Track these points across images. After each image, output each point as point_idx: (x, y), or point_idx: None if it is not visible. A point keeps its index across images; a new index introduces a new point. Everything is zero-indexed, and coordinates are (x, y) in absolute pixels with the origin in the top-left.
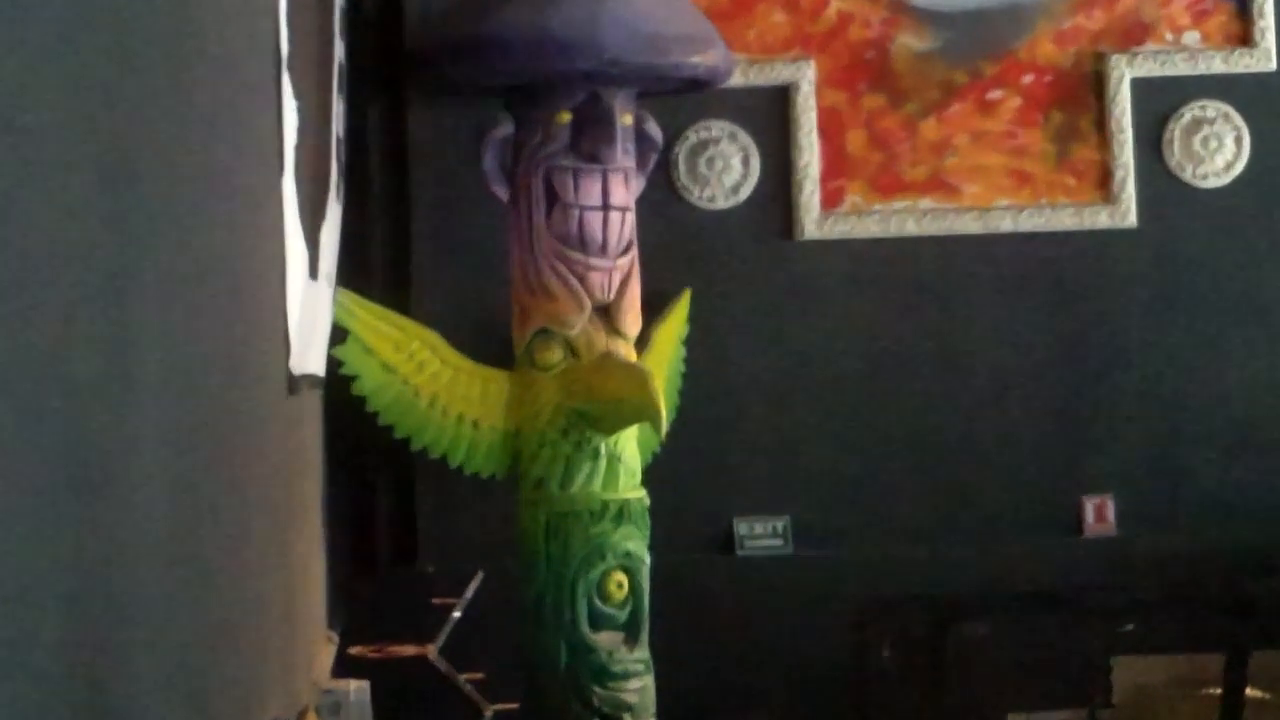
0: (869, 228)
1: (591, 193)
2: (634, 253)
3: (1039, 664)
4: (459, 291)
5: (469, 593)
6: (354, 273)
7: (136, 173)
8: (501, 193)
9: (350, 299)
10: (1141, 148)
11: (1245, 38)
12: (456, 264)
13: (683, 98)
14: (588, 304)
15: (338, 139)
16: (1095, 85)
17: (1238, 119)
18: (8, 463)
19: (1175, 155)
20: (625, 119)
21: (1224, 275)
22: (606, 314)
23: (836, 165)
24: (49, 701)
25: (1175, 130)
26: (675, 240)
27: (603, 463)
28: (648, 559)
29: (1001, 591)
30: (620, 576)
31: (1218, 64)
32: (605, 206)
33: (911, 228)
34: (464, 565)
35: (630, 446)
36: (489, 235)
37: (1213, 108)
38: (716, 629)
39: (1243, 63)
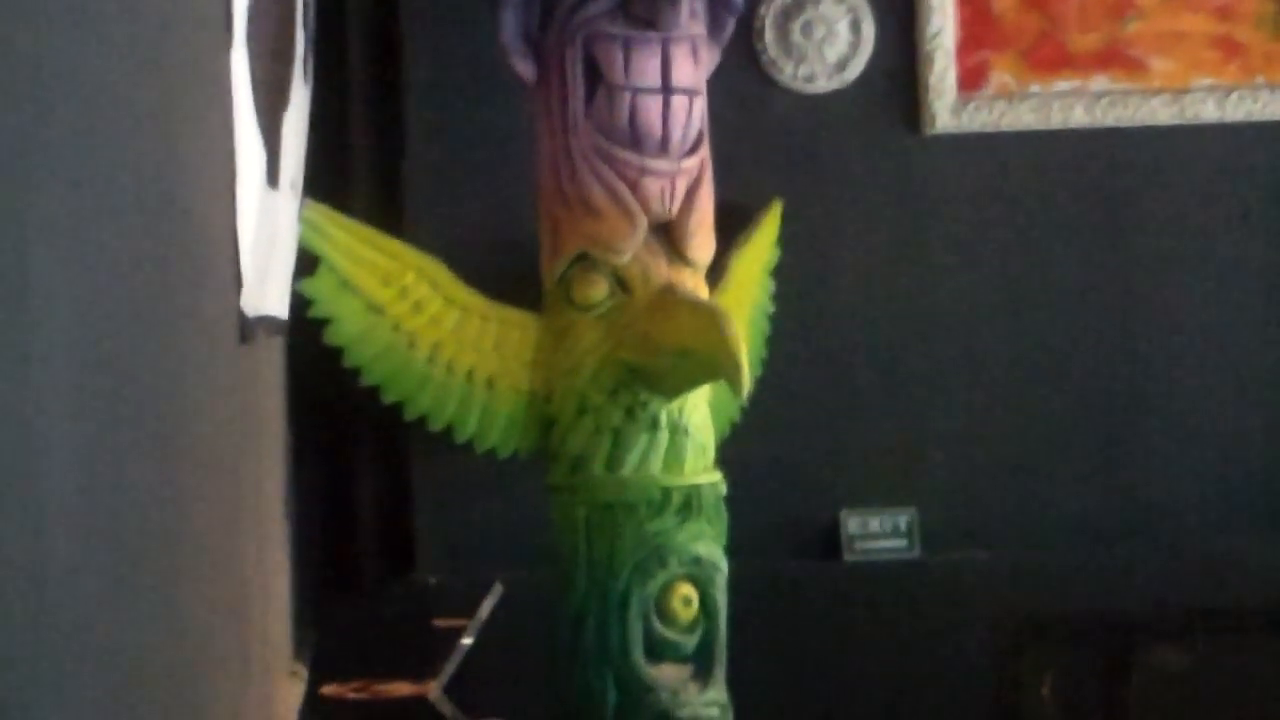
0: (1023, 116)
1: (647, 70)
2: (705, 152)
3: (1252, 700)
4: (468, 206)
5: (484, 612)
6: (328, 180)
7: (26, 40)
8: (526, 70)
9: (323, 215)
10: None
11: None
12: (464, 169)
13: None
14: (643, 221)
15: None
16: None
17: None
18: None
19: None
20: None
21: None
22: (668, 234)
23: (979, 31)
24: None
25: None
26: (761, 135)
27: (663, 436)
28: (724, 566)
29: (1201, 608)
30: (687, 590)
31: None
32: (666, 89)
33: (1080, 116)
34: (477, 575)
35: (700, 414)
36: (508, 130)
37: None
38: (818, 659)
39: None
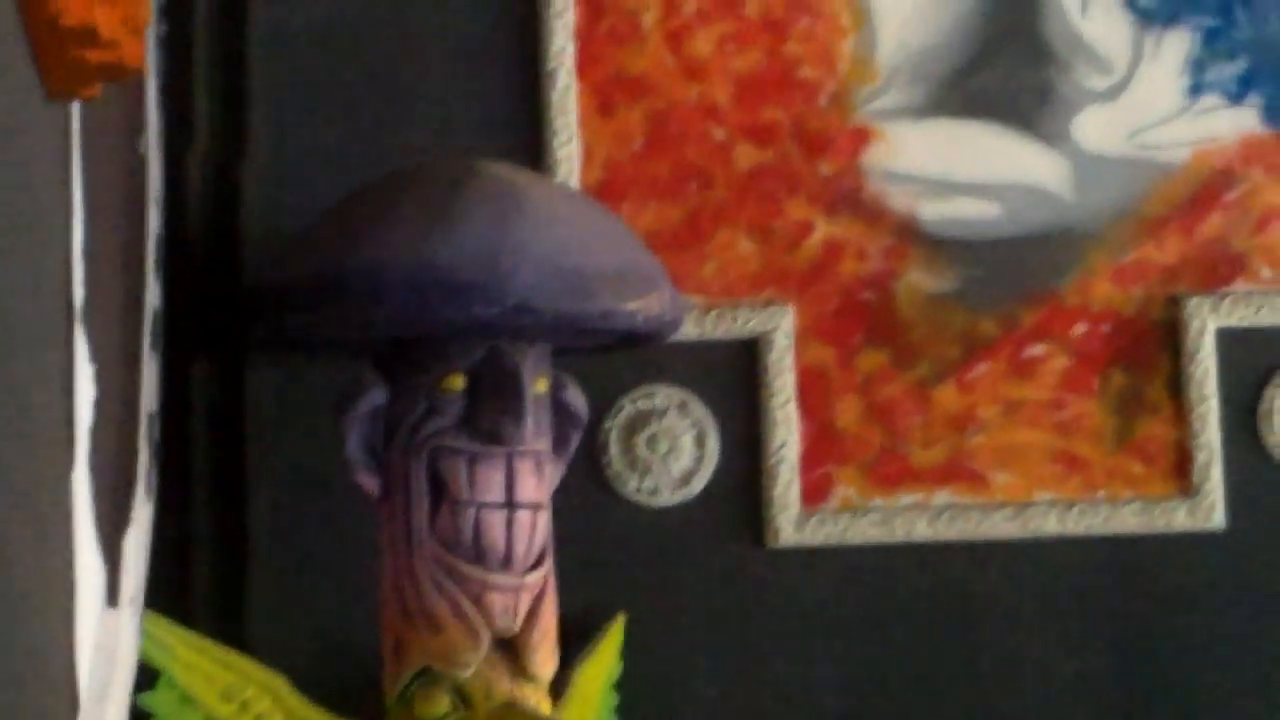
0: (866, 530)
1: (492, 485)
2: (549, 566)
3: None
4: (311, 618)
5: None
6: (170, 593)
7: None
8: (369, 483)
9: (164, 629)
10: (1231, 422)
11: None
12: (308, 581)
13: (616, 355)
14: (487, 636)
15: (149, 415)
16: (1168, 338)
17: None
18: None
19: (1276, 432)
20: (538, 385)
21: None
22: (511, 649)
23: (822, 446)
24: None
25: (1276, 399)
26: (605, 548)
27: None
28: None
29: None
30: None
31: None
32: (510, 504)
33: (923, 529)
34: None
35: None
36: (352, 542)
37: None
38: None
39: None
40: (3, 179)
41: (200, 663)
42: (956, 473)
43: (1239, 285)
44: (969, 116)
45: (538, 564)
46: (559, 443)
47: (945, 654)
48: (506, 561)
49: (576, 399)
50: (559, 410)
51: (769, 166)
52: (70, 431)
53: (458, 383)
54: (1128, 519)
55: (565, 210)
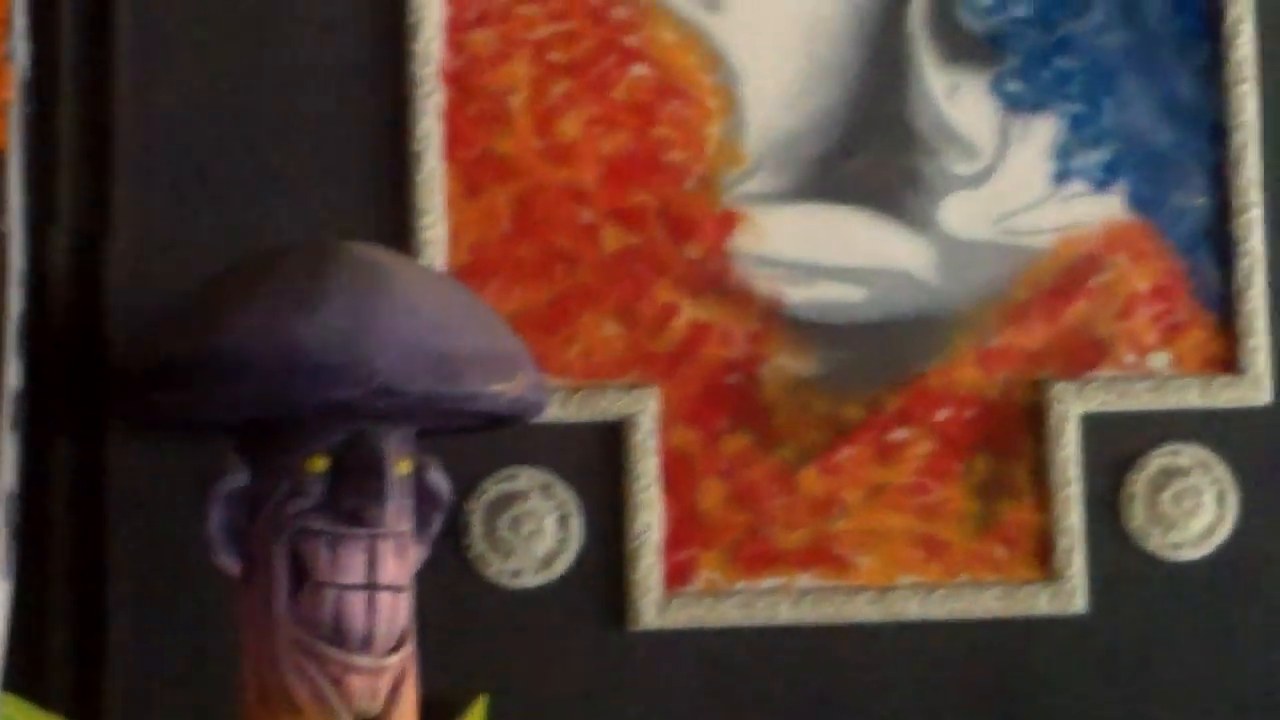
0: (729, 613)
1: (353, 566)
2: (410, 648)
3: None
4: (170, 700)
5: None
6: (28, 674)
7: None
8: (230, 564)
9: (22, 711)
10: (1093, 507)
11: (1229, 362)
12: (168, 663)
13: (479, 437)
14: (346, 719)
15: (8, 495)
16: (1032, 423)
17: (1220, 469)
18: None
19: (1138, 517)
20: (401, 467)
21: (1198, 675)
22: None
23: (686, 529)
24: None
25: (1138, 484)
26: (467, 629)
27: None
28: None
29: None
30: None
31: (1194, 396)
32: (371, 585)
33: (786, 614)
34: None
35: None
36: (213, 624)
37: (1188, 454)
38: None
39: (1226, 395)
40: None
41: None
42: (820, 556)
43: (1103, 370)
44: (836, 201)
45: (399, 646)
46: (421, 524)
47: None
48: (367, 643)
49: (439, 480)
50: (422, 492)
51: (635, 249)
52: None
53: (320, 464)
54: (990, 603)
55: (430, 292)
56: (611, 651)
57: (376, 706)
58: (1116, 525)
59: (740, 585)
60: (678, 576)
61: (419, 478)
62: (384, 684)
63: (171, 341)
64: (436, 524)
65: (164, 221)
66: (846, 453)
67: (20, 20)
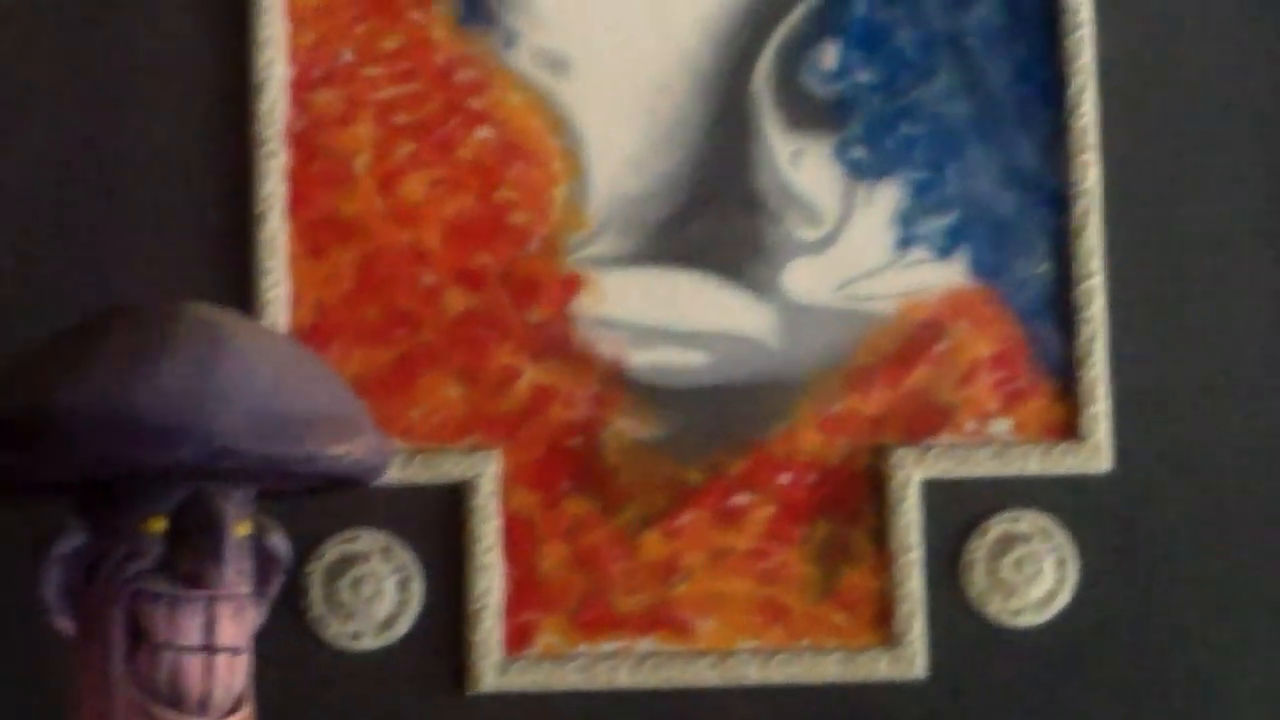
0: (568, 677)
1: (190, 629)
2: (248, 711)
3: None
4: None
5: None
6: None
7: None
8: (66, 626)
9: None
10: (934, 573)
11: (1070, 429)
12: None
13: (319, 499)
14: None
15: None
16: (873, 489)
17: (1061, 535)
18: None
19: (978, 583)
20: (239, 528)
21: None
22: None
23: (526, 592)
24: None
25: (979, 550)
26: (306, 692)
27: None
28: None
29: None
30: None
31: (1035, 463)
32: (209, 647)
33: (626, 678)
34: None
35: None
36: (49, 687)
37: (1028, 520)
38: None
39: (1067, 462)
40: None
41: None
42: (660, 620)
43: (944, 437)
44: (679, 265)
45: (236, 708)
46: (260, 586)
47: None
48: (204, 706)
49: (279, 542)
50: (261, 553)
51: (478, 312)
52: None
53: (159, 525)
54: (830, 668)
55: (270, 353)
56: (451, 715)
57: None
58: (957, 591)
59: (581, 649)
60: (518, 640)
61: (258, 539)
62: None
63: (6, 402)
64: (276, 586)
65: (2, 281)
66: (688, 517)
67: None
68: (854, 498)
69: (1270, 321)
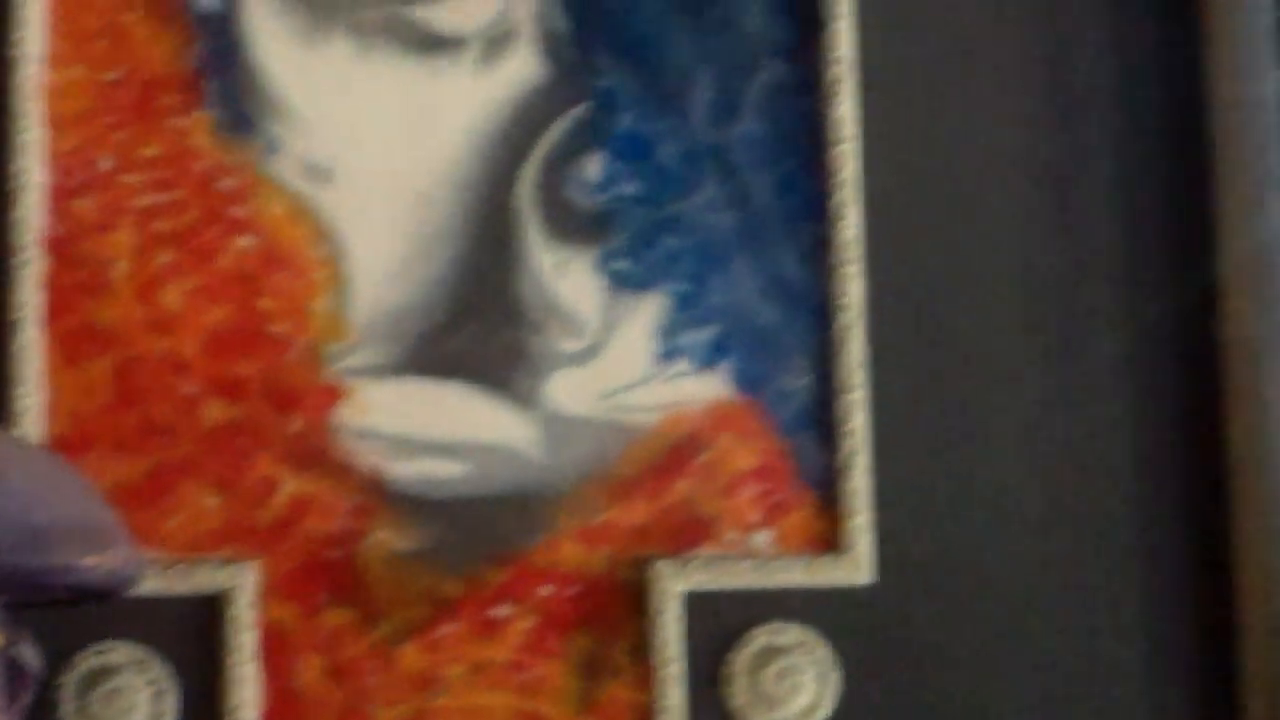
0: None
1: None
2: None
3: None
4: None
5: None
6: None
7: None
8: None
9: None
10: (695, 685)
11: (832, 541)
12: None
13: (72, 610)
14: None
15: None
16: (635, 601)
17: (822, 648)
18: None
19: (740, 696)
20: None
21: None
22: None
23: (284, 705)
24: None
25: (740, 662)
26: None
27: None
28: None
29: None
30: None
31: (797, 575)
32: None
33: None
34: None
35: None
36: None
37: (791, 633)
38: None
39: (828, 574)
40: None
41: None
42: None
43: (706, 549)
44: (441, 376)
45: None
46: (10, 700)
47: None
48: None
49: (30, 655)
50: (11, 667)
51: (237, 421)
52: None
53: None
54: None
55: (21, 463)
56: None
57: None
58: (718, 703)
59: None
60: None
61: (8, 653)
62: None
63: None
64: (26, 699)
65: None
66: (447, 629)
67: None
68: (615, 610)
69: (1031, 435)
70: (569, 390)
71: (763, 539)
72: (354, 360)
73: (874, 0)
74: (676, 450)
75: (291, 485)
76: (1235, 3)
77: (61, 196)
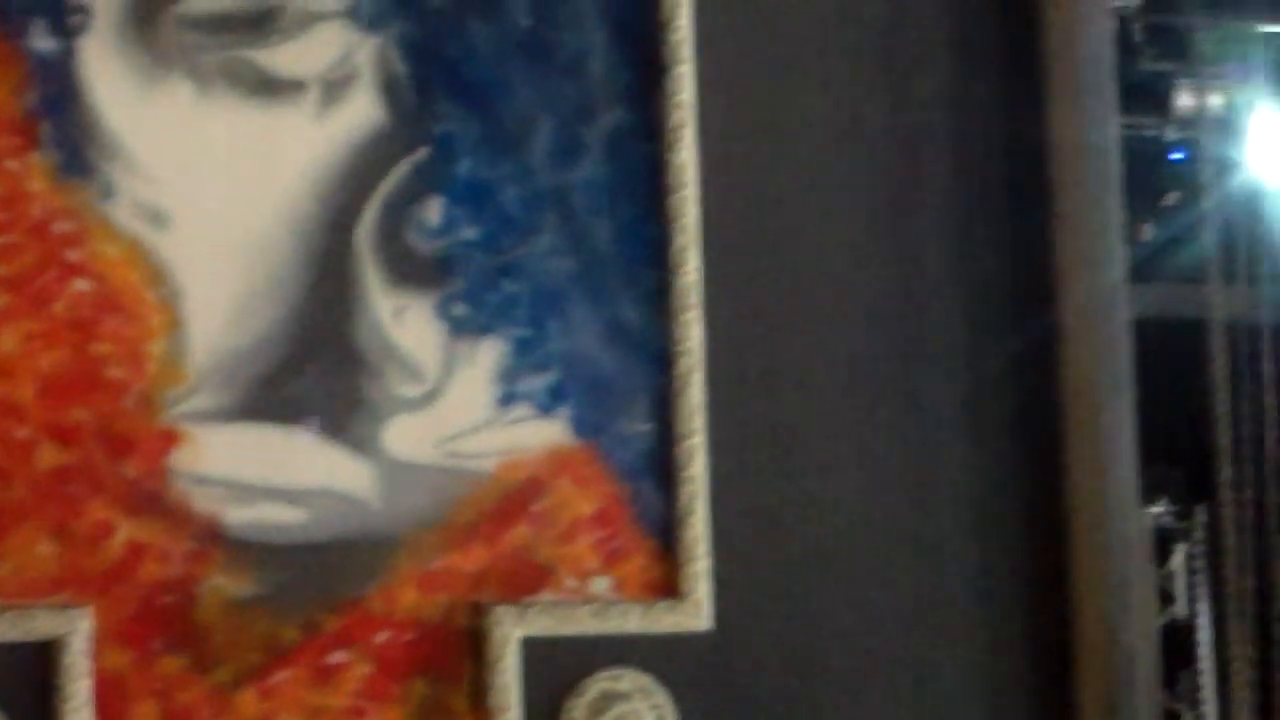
0: None
1: None
2: None
3: None
4: None
5: None
6: None
7: None
8: None
9: None
10: None
11: (671, 587)
12: None
13: None
14: None
15: None
16: (473, 647)
17: (661, 694)
18: None
19: None
20: None
21: None
22: None
23: None
24: None
25: (578, 708)
26: None
27: None
28: None
29: None
30: None
31: (635, 621)
32: None
33: None
34: None
35: None
36: None
37: (628, 678)
38: None
39: (667, 620)
40: None
41: None
42: None
43: (544, 595)
44: (279, 421)
45: None
46: None
47: None
48: None
49: None
50: None
51: (71, 467)
52: None
53: None
54: None
55: None
56: None
57: None
58: None
59: None
60: None
61: None
62: None
63: None
64: None
65: None
66: (283, 675)
67: None
68: (452, 656)
69: (871, 481)
70: (407, 436)
71: (601, 585)
72: (190, 405)
73: (715, 47)
74: (515, 496)
75: (127, 531)
76: (1076, 51)
77: None
